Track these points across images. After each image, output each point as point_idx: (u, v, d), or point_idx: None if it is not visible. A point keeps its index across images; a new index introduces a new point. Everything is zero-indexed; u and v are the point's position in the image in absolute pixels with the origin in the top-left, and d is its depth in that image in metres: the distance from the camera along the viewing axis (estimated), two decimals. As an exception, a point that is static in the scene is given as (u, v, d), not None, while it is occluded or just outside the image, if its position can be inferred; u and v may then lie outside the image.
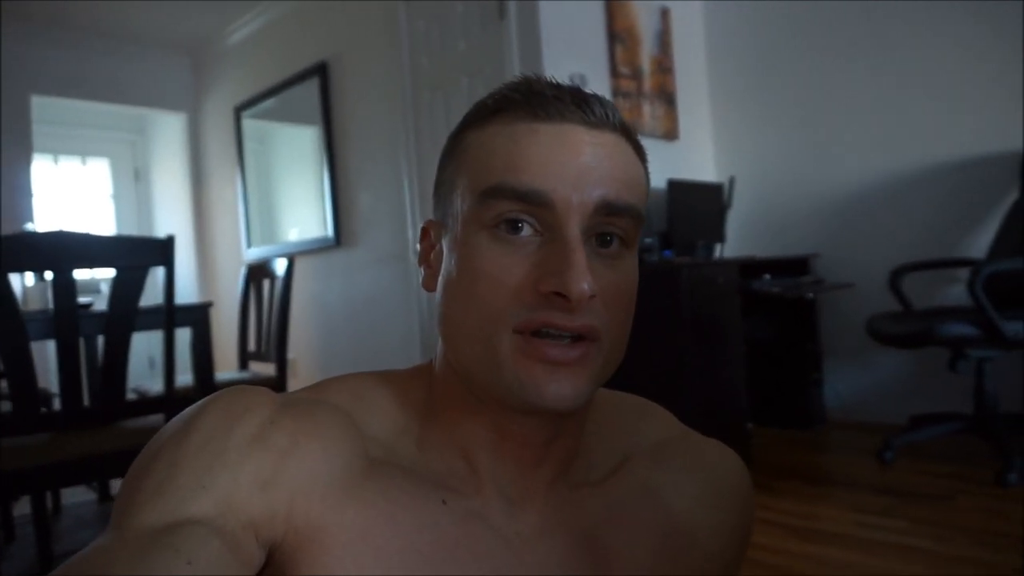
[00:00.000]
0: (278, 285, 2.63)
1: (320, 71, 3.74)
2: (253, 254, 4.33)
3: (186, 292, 4.72)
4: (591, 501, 0.54)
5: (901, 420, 2.69)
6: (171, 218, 5.03)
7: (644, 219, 0.49)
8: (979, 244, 2.74)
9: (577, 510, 0.53)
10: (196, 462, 0.43)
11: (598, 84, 2.90)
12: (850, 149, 3.08)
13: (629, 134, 0.50)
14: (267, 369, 2.70)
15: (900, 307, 2.67)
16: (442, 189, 0.53)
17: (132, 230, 5.13)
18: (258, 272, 2.87)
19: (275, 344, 2.59)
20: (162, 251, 1.63)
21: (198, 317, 2.05)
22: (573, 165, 0.46)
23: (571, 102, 0.48)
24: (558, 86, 0.49)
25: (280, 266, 2.63)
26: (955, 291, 2.79)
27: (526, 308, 0.45)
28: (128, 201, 5.24)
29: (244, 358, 2.88)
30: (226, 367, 3.50)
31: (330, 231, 3.75)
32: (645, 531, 0.54)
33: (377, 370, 0.57)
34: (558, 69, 2.74)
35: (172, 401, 1.72)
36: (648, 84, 3.12)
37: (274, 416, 0.47)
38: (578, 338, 0.46)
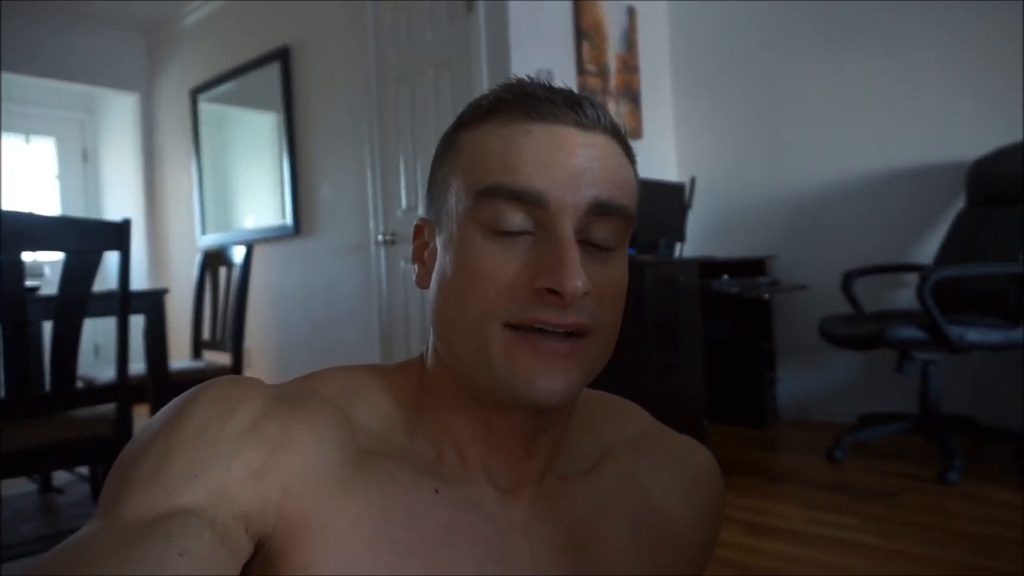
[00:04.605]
0: (235, 273, 2.57)
1: (282, 56, 3.65)
2: (207, 241, 4.22)
3: (136, 278, 4.57)
4: (578, 492, 0.56)
5: (851, 419, 2.78)
6: (121, 202, 4.87)
7: (635, 219, 0.51)
8: (926, 250, 2.84)
9: (565, 500, 0.55)
10: (189, 451, 0.43)
11: (565, 81, 2.89)
12: (807, 154, 3.16)
13: (619, 136, 0.52)
14: (222, 358, 2.64)
15: (851, 309, 2.75)
16: (435, 188, 0.54)
17: (79, 212, 4.94)
18: (214, 259, 2.80)
19: (231, 333, 2.53)
20: (117, 235, 1.58)
21: (152, 304, 1.99)
22: (567, 166, 0.47)
23: (564, 104, 0.49)
24: (551, 88, 0.51)
25: (238, 254, 2.57)
26: (903, 295, 2.89)
27: (519, 305, 0.46)
28: (75, 183, 5.05)
29: (198, 347, 2.80)
30: (178, 356, 3.40)
31: (289, 219, 3.68)
32: (628, 519, 0.57)
33: (366, 364, 0.58)
34: (525, 64, 2.74)
35: (126, 390, 1.66)
36: (614, 82, 3.14)
37: (268, 408, 0.47)
38: (570, 333, 0.47)
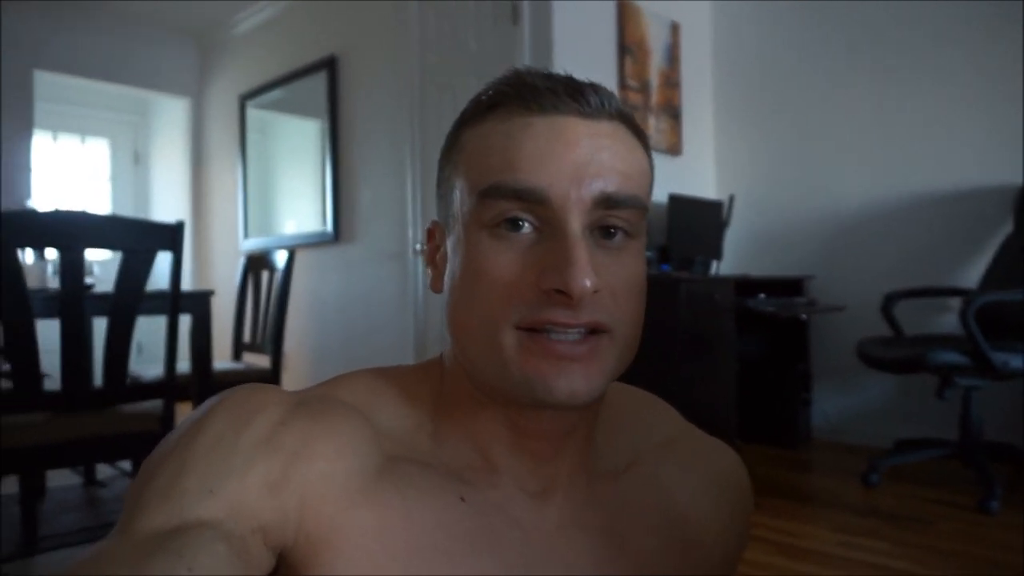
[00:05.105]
0: (277, 277, 2.64)
1: (329, 65, 3.74)
2: (249, 244, 4.32)
3: (182, 279, 4.68)
4: (607, 496, 0.54)
5: (886, 443, 2.73)
6: (169, 203, 5.01)
7: (648, 208, 0.49)
8: (970, 275, 2.78)
9: (594, 504, 0.53)
10: (204, 464, 0.42)
11: (606, 95, 2.92)
12: (848, 173, 3.12)
13: (628, 120, 0.50)
14: (261, 361, 2.70)
15: (890, 332, 2.71)
16: (442, 190, 0.53)
17: (129, 213, 5.10)
18: (257, 263, 2.87)
19: (271, 337, 2.60)
20: (171, 236, 1.64)
21: (199, 305, 2.05)
22: (569, 159, 0.45)
23: (565, 93, 0.47)
24: (551, 76, 0.49)
25: (280, 258, 2.64)
26: (945, 319, 2.84)
27: (528, 306, 0.45)
28: (126, 183, 5.22)
29: (239, 349, 2.87)
30: (219, 357, 3.48)
31: (329, 226, 3.75)
32: (657, 525, 0.55)
33: (386, 366, 0.57)
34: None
35: (173, 387, 1.72)
36: (655, 98, 3.15)
37: (285, 417, 0.46)
38: (587, 333, 0.45)
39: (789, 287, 3.02)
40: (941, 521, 2.11)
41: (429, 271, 0.55)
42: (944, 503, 2.27)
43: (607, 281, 0.46)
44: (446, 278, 0.51)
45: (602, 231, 0.47)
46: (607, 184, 0.46)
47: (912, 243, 2.96)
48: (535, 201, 0.45)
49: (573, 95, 0.47)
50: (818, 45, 3.20)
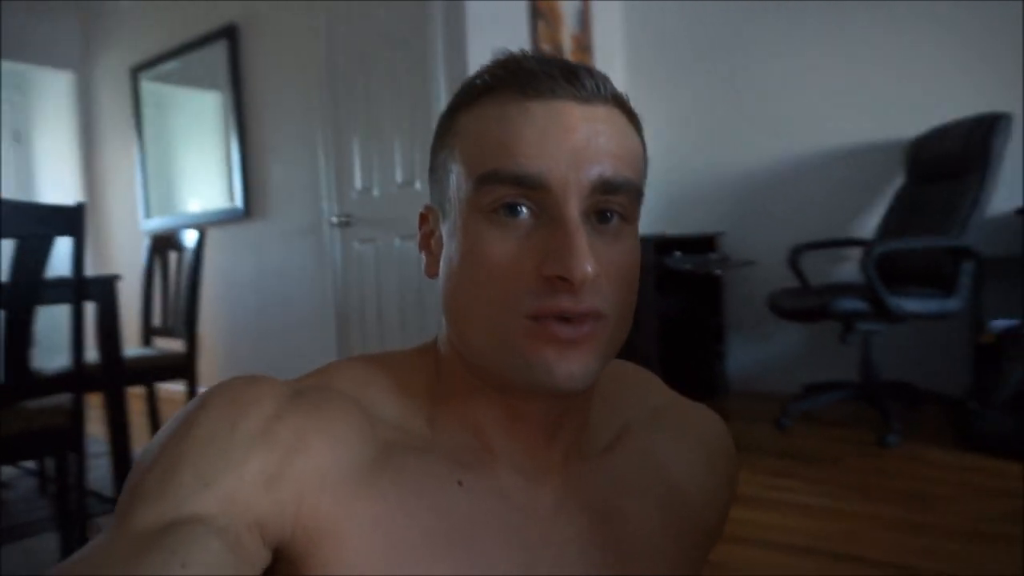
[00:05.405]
0: (187, 258, 2.52)
1: (229, 34, 3.55)
2: (152, 224, 4.10)
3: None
4: (601, 473, 0.55)
5: (796, 389, 2.90)
6: (56, 185, 4.66)
7: (643, 192, 0.49)
8: (867, 225, 2.96)
9: (589, 483, 0.54)
10: (199, 458, 0.42)
11: (519, 60, 2.91)
12: (755, 133, 3.24)
13: (622, 104, 0.50)
14: (174, 345, 2.59)
15: (798, 283, 2.86)
16: (436, 174, 0.52)
17: (10, 196, 4.72)
18: (163, 243, 2.73)
19: (183, 319, 2.49)
20: (71, 220, 1.53)
21: (104, 291, 1.94)
22: (567, 144, 0.45)
23: (561, 77, 0.46)
24: (546, 60, 0.48)
25: (190, 238, 2.52)
26: (845, 268, 3.02)
27: (532, 294, 0.45)
28: (6, 164, 4.80)
29: (148, 333, 2.74)
30: (127, 343, 3.31)
31: (239, 202, 3.60)
32: (650, 496, 0.56)
33: (379, 352, 0.57)
34: (482, 43, 2.73)
35: (82, 379, 1.63)
36: (567, 62, 3.15)
37: (280, 410, 0.46)
38: (586, 317, 0.46)
39: (703, 244, 3.13)
40: (848, 458, 2.27)
41: (423, 256, 0.55)
42: (850, 440, 2.44)
43: (604, 267, 0.46)
44: (442, 263, 0.51)
45: (598, 215, 0.47)
46: (604, 169, 0.46)
47: (815, 197, 3.11)
48: (534, 187, 0.45)
49: (569, 79, 0.47)
50: (725, 10, 3.28)
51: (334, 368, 0.53)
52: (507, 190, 0.45)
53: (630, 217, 0.49)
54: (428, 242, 0.54)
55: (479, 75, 0.50)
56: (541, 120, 0.46)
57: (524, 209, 0.46)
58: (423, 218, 0.55)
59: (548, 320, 0.45)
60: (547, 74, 0.47)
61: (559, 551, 0.51)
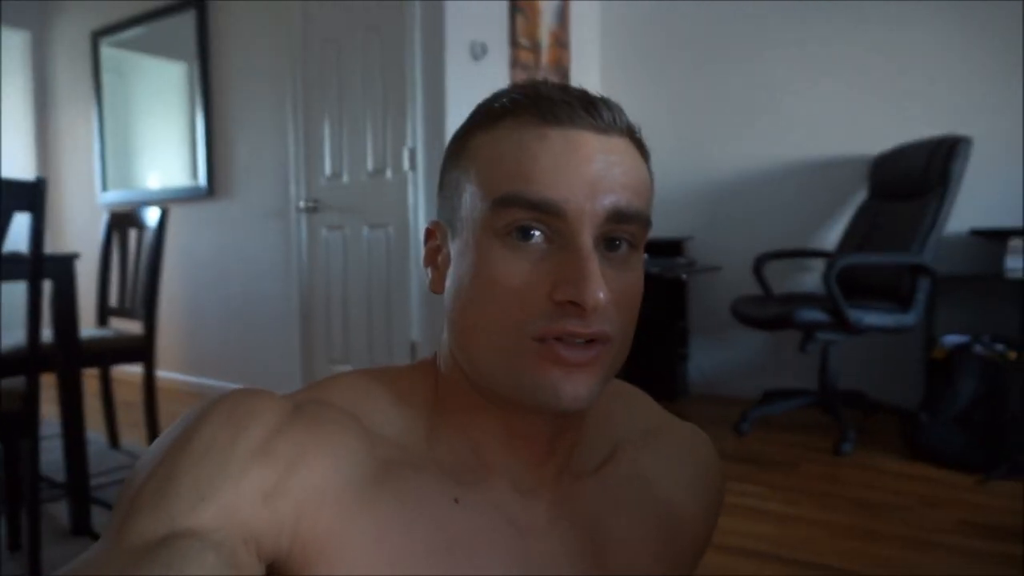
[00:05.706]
0: (148, 236, 2.44)
1: (197, 4, 3.44)
2: (109, 198, 3.97)
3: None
4: (592, 490, 0.56)
5: (756, 394, 2.96)
6: (7, 153, 4.47)
7: (651, 223, 0.51)
8: (829, 237, 3.04)
9: (581, 500, 0.55)
10: (196, 471, 0.41)
11: (498, 53, 2.89)
12: (726, 140, 3.29)
13: (635, 137, 0.51)
14: (131, 326, 2.51)
15: (761, 291, 2.91)
16: (447, 190, 0.53)
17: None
18: (123, 220, 2.64)
19: (143, 300, 2.41)
20: (30, 196, 1.47)
21: (61, 269, 1.87)
22: (585, 174, 0.46)
23: (580, 107, 0.48)
24: (566, 89, 0.49)
25: (152, 215, 2.44)
26: (807, 278, 3.09)
27: (542, 317, 0.46)
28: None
29: (104, 314, 2.65)
30: (82, 323, 3.20)
31: (202, 180, 3.50)
32: (640, 516, 0.57)
33: (378, 367, 0.57)
34: (459, 34, 2.70)
35: (38, 360, 1.56)
36: (545, 57, 3.15)
37: (280, 424, 0.45)
38: (591, 340, 0.47)
39: (670, 248, 3.17)
40: (804, 464, 2.33)
41: (429, 271, 0.55)
42: (807, 447, 2.50)
43: (613, 293, 0.47)
44: (449, 281, 0.51)
45: (607, 243, 0.48)
46: (619, 199, 0.47)
47: (780, 208, 3.17)
48: (551, 213, 0.46)
49: (588, 109, 0.48)
50: (699, 17, 3.30)
51: (333, 382, 0.53)
52: (523, 214, 0.46)
53: (638, 245, 0.50)
54: (435, 258, 0.54)
55: (497, 98, 0.51)
56: (559, 148, 0.47)
57: (537, 233, 0.47)
58: (430, 233, 0.55)
59: (554, 341, 0.46)
60: (566, 103, 0.48)
61: (553, 567, 0.52)
